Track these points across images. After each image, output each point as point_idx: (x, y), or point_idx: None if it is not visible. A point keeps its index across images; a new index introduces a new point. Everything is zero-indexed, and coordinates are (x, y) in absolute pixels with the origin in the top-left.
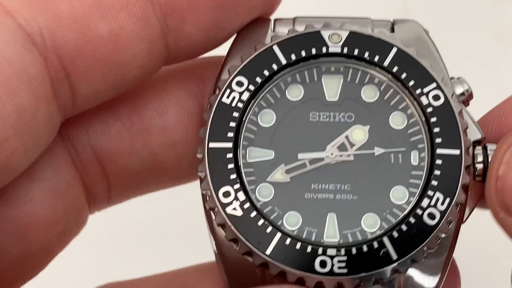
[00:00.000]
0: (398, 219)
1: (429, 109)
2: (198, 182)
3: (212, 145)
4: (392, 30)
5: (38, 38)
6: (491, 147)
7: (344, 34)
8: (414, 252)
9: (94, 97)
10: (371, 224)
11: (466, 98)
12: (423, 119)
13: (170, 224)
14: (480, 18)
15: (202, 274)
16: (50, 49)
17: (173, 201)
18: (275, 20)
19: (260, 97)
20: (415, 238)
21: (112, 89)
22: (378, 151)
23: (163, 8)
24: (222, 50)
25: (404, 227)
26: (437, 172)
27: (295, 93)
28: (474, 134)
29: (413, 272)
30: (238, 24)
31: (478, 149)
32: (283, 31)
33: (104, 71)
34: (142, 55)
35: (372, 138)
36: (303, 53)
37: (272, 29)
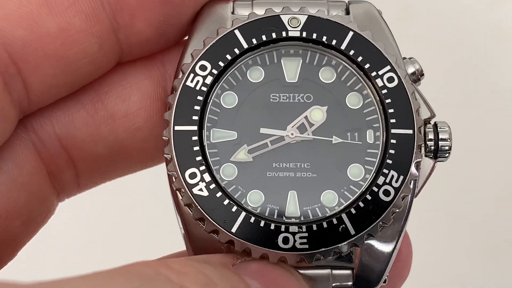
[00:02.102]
0: (356, 195)
1: (384, 91)
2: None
3: (177, 128)
4: (347, 12)
5: None
6: (441, 124)
7: (303, 19)
8: (370, 227)
9: (48, 93)
10: (329, 200)
11: (417, 76)
12: (378, 100)
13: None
14: (480, 18)
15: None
16: None
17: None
18: (234, 1)
19: (222, 80)
20: (372, 214)
21: (66, 85)
22: (336, 140)
23: (112, 5)
24: None
25: (361, 204)
26: (391, 151)
27: (256, 75)
28: (425, 112)
29: (370, 242)
30: (187, 19)
31: (429, 127)
32: (243, 13)
33: (55, 66)
34: (93, 50)
35: (330, 118)
36: (264, 37)
37: (232, 11)
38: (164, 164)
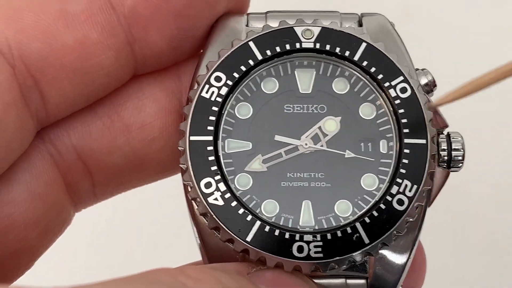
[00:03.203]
0: (369, 205)
1: (397, 101)
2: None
3: (193, 138)
4: (360, 24)
5: (6, 49)
6: (453, 135)
7: (317, 30)
8: (384, 236)
9: (65, 105)
10: (343, 210)
11: (430, 87)
12: (391, 110)
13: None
14: (480, 18)
15: None
16: (17, 59)
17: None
18: (248, 14)
19: (237, 91)
20: (386, 223)
21: (82, 97)
22: (348, 154)
23: (127, 18)
24: None
25: (375, 213)
26: (405, 161)
27: (270, 86)
28: (438, 122)
29: (384, 252)
30: (202, 32)
31: (442, 137)
32: (257, 25)
33: (72, 78)
34: (109, 62)
35: (343, 128)
36: (278, 49)
37: (246, 24)
38: (179, 174)
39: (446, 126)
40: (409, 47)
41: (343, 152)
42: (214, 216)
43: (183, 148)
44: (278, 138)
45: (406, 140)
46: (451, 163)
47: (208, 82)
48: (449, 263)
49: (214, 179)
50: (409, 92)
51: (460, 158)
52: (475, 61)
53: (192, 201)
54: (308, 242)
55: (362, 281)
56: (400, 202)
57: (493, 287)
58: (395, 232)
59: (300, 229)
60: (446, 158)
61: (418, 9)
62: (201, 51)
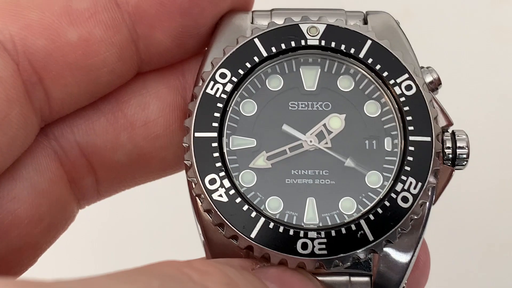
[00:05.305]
0: (374, 202)
1: (402, 99)
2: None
3: (197, 134)
4: (365, 22)
5: (10, 45)
6: (458, 133)
7: (322, 27)
8: (389, 233)
9: (69, 102)
10: (348, 207)
11: (435, 85)
12: (396, 107)
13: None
14: (480, 18)
15: None
16: (21, 55)
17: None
18: (253, 12)
19: (242, 88)
20: (390, 220)
21: (86, 94)
22: (348, 163)
23: (132, 16)
24: None
25: (379, 210)
26: (410, 158)
27: (275, 83)
28: (443, 120)
29: (388, 250)
30: (206, 30)
31: (447, 135)
32: (262, 23)
33: (76, 75)
34: (113, 60)
35: (348, 126)
36: (283, 46)
37: (251, 21)
38: (182, 172)
39: (451, 124)
40: None
41: (344, 159)
42: (218, 213)
43: (187, 145)
44: (285, 127)
45: (411, 138)
46: (456, 161)
47: (213, 78)
48: (453, 262)
49: (218, 175)
50: (414, 90)
51: (464, 156)
52: (475, 60)
53: (196, 198)
54: (312, 239)
55: (366, 278)
56: (405, 199)
57: (496, 285)
58: (399, 229)
59: (304, 226)
60: (451, 156)
61: (418, 8)
62: (206, 48)
